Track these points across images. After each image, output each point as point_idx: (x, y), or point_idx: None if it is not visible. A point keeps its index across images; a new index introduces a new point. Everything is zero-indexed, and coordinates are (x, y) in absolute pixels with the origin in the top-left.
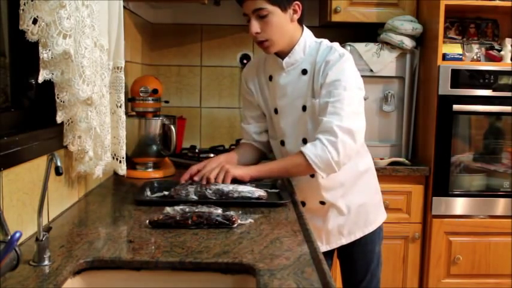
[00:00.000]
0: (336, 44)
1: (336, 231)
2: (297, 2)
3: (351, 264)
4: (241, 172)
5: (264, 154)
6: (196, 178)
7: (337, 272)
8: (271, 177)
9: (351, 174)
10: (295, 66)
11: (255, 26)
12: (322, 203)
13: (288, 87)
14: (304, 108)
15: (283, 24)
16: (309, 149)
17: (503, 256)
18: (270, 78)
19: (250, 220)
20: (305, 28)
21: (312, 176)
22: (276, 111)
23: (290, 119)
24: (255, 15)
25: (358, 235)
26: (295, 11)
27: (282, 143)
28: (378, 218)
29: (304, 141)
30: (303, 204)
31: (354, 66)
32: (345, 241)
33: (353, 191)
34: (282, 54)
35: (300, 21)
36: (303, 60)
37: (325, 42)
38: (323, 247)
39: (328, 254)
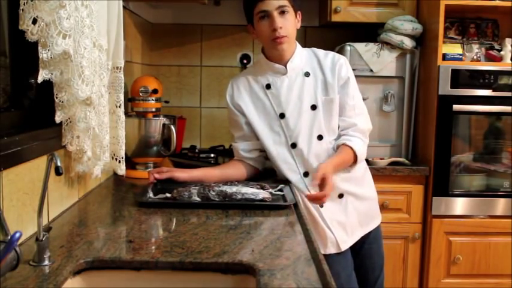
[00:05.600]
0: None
1: (357, 222)
2: (299, 12)
3: (369, 260)
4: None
5: (256, 169)
6: None
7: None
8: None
9: (359, 167)
10: (297, 71)
11: (279, 20)
12: (341, 195)
13: (293, 90)
14: (313, 107)
15: (295, 25)
16: (359, 148)
17: (503, 256)
18: (268, 86)
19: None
20: None
21: None
22: (282, 115)
23: (302, 119)
24: (277, 12)
25: (373, 225)
26: (298, 20)
27: (293, 145)
28: (379, 212)
29: (320, 138)
30: (321, 206)
31: None
32: (362, 232)
33: (362, 183)
34: (279, 61)
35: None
36: (301, 64)
37: (314, 49)
38: (349, 241)
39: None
